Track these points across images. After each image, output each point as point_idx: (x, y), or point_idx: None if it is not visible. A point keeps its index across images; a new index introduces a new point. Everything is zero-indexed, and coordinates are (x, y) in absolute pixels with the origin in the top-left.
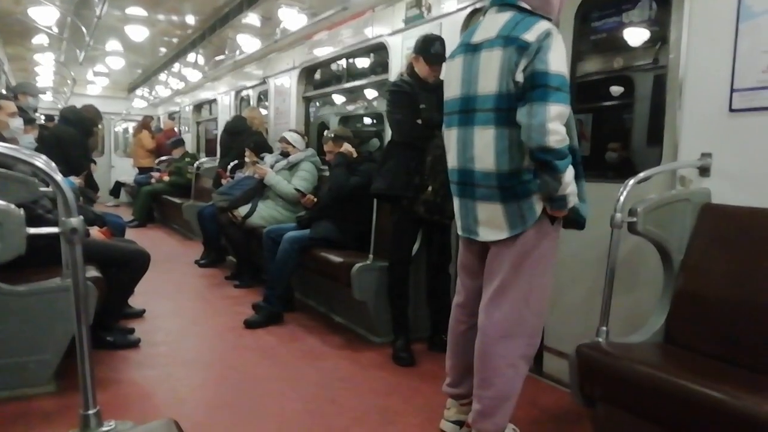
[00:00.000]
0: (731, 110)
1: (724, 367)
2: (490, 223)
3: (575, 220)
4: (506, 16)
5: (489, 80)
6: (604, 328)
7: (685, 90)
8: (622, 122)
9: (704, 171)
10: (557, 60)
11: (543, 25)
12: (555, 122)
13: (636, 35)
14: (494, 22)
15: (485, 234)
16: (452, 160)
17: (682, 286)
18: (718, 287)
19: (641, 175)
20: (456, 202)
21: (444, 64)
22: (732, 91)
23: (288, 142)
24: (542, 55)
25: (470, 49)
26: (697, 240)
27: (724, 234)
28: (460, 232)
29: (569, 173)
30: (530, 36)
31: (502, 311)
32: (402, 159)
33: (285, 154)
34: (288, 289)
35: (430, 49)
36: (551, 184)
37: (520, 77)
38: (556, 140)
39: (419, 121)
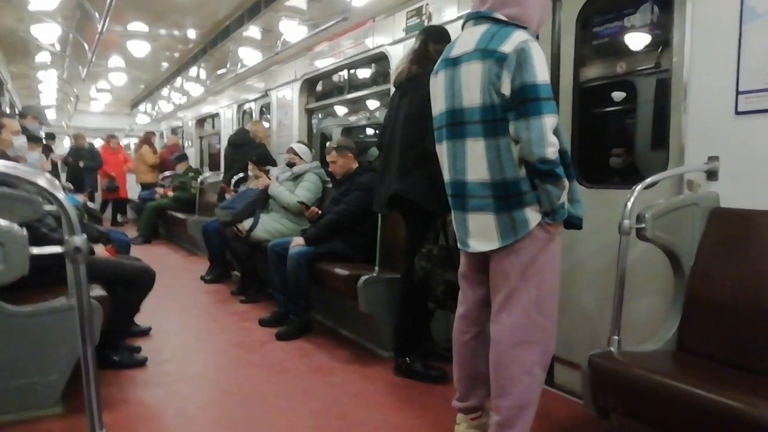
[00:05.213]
0: (737, 113)
1: (739, 375)
2: (481, 233)
3: (572, 222)
4: (482, 28)
5: (472, 93)
6: (616, 337)
7: (690, 93)
8: (626, 127)
9: (712, 175)
10: (542, 69)
11: (519, 36)
12: (551, 133)
13: (638, 39)
14: (471, 35)
15: (475, 245)
16: (446, 174)
17: (693, 293)
18: (729, 292)
19: (648, 180)
20: (452, 215)
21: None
22: (737, 93)
23: (296, 153)
24: (528, 67)
25: (450, 63)
26: (707, 245)
27: (734, 238)
28: (458, 245)
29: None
30: (507, 47)
31: (514, 318)
32: (436, 171)
33: (291, 165)
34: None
35: (448, 33)
36: (554, 192)
37: (506, 90)
38: (553, 151)
39: None
